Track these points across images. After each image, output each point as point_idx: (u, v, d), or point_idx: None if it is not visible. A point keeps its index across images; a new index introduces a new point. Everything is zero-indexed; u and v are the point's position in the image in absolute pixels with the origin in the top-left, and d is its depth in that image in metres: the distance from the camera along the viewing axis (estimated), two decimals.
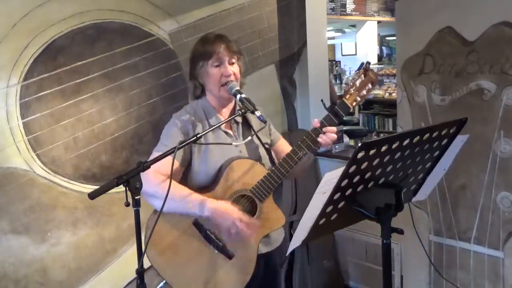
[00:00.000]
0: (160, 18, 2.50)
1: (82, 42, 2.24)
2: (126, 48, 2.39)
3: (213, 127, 1.61)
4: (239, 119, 1.77)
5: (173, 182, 1.57)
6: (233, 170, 1.65)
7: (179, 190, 1.61)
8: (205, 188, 1.68)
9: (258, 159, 1.75)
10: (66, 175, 2.24)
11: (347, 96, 1.65)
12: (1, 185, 2.07)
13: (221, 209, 1.59)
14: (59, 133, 2.21)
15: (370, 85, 1.66)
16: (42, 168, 2.17)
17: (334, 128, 1.64)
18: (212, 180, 1.69)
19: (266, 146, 1.81)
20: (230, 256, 1.62)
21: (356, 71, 1.69)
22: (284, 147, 1.90)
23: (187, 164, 1.71)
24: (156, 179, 1.59)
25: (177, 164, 1.65)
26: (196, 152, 1.70)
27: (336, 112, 1.63)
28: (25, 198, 2.13)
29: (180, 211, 1.60)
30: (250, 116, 1.75)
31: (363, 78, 1.65)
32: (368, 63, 1.67)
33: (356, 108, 7.34)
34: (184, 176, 1.73)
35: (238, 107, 1.80)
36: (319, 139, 1.63)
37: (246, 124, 1.80)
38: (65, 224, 2.24)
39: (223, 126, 1.74)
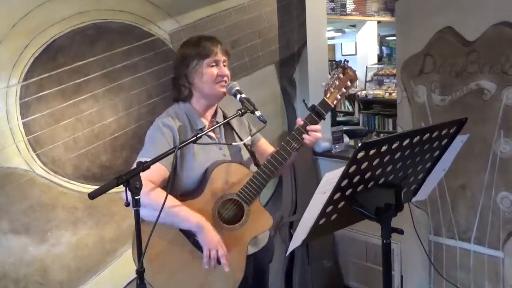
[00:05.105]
0: (160, 18, 2.49)
1: (82, 42, 2.24)
2: (126, 48, 2.38)
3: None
4: (221, 120, 1.75)
5: (161, 192, 1.56)
6: (218, 175, 1.64)
7: (167, 201, 1.56)
8: (191, 195, 1.67)
9: (241, 162, 1.74)
10: (66, 175, 2.23)
11: (328, 95, 1.67)
12: (1, 185, 2.07)
13: (205, 233, 1.58)
14: (59, 133, 2.21)
15: (349, 83, 1.69)
16: (42, 168, 2.17)
17: (317, 127, 1.65)
18: (198, 185, 1.68)
19: (248, 147, 1.80)
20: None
21: (334, 69, 1.71)
22: (265, 146, 1.90)
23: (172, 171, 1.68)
24: (145, 187, 1.51)
25: (166, 171, 1.63)
26: (181, 157, 1.68)
27: (318, 111, 1.65)
28: (25, 198, 2.13)
29: (169, 223, 1.58)
30: (233, 119, 1.72)
31: (342, 76, 1.68)
32: (346, 61, 1.71)
33: (356, 108, 7.33)
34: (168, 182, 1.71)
35: (220, 112, 1.81)
36: (304, 140, 1.63)
37: (228, 127, 1.80)
38: (65, 224, 2.24)
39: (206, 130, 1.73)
